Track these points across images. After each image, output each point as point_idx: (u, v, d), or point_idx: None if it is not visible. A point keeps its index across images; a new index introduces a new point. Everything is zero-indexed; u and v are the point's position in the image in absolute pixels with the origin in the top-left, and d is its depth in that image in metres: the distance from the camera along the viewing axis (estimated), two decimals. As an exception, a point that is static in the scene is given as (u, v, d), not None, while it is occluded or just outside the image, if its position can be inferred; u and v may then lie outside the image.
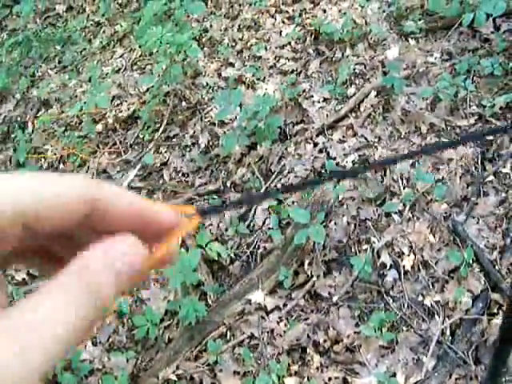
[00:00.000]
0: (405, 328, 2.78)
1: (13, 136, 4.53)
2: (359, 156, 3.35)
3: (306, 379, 2.73)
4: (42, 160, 4.18)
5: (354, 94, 3.69)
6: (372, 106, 3.58)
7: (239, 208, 3.35)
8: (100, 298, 0.37)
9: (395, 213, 3.07)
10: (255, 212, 3.33)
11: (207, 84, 4.19)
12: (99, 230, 0.42)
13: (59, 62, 5.10)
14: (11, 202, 0.36)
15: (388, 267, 2.93)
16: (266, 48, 4.25)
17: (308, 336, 2.85)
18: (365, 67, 3.85)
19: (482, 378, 2.49)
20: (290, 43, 4.23)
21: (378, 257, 2.96)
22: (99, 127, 4.26)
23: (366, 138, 3.43)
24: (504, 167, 3.14)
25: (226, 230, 3.32)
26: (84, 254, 0.38)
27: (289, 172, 3.41)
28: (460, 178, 3.15)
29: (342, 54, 3.98)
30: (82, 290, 0.36)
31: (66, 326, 0.34)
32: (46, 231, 0.39)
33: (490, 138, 3.26)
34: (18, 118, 4.70)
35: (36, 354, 0.32)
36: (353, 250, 3.03)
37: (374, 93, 3.64)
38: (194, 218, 0.45)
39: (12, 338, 0.32)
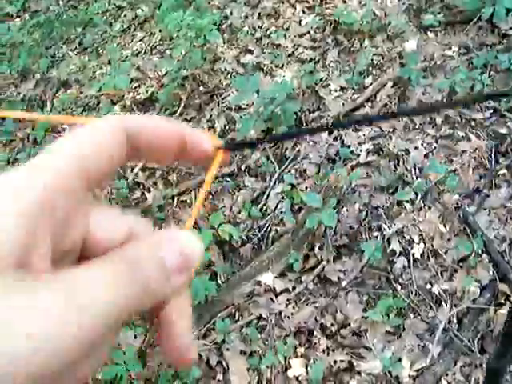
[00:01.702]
0: (412, 315, 2.80)
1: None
2: (373, 145, 3.37)
3: (311, 361, 2.75)
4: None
5: (371, 84, 3.71)
6: (388, 96, 3.60)
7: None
8: (147, 290, 0.36)
9: (407, 201, 3.09)
10: (268, 196, 3.36)
11: (226, 70, 4.22)
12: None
13: (80, 44, 5.13)
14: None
15: (398, 254, 2.95)
16: (285, 36, 4.27)
17: (316, 319, 2.88)
18: (382, 58, 3.87)
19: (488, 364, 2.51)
20: (309, 32, 4.25)
21: (389, 244, 2.98)
22: (117, 108, 4.29)
23: (380, 128, 3.45)
24: (517, 161, 3.16)
25: (239, 212, 3.35)
26: (137, 244, 0.39)
27: (303, 158, 3.44)
28: (473, 169, 3.16)
29: (361, 45, 3.99)
30: (130, 277, 0.36)
31: (108, 301, 0.34)
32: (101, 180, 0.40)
33: (503, 131, 3.27)
34: (38, 97, 4.75)
35: (87, 317, 0.33)
36: (363, 236, 3.05)
37: (390, 83, 3.65)
38: (221, 152, 0.45)
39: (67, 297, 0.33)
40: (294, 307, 2.95)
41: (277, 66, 4.07)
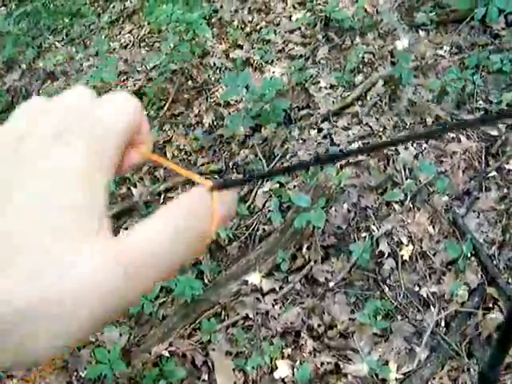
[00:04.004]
0: (399, 317, 2.78)
1: (17, 106, 4.51)
2: (363, 144, 3.34)
3: (298, 362, 2.73)
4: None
5: (362, 83, 3.69)
6: (379, 95, 3.58)
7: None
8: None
9: (396, 202, 3.07)
10: (256, 194, 3.32)
11: (215, 64, 4.18)
12: None
13: (67, 35, 5.08)
14: None
15: (386, 256, 2.93)
16: (275, 32, 4.23)
17: (302, 320, 2.85)
18: (373, 56, 3.84)
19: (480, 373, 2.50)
20: (299, 28, 4.21)
21: (377, 245, 2.96)
22: (104, 102, 4.24)
23: (370, 127, 3.43)
24: (507, 163, 3.13)
25: (226, 210, 3.31)
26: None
27: (292, 156, 3.41)
28: (463, 171, 3.14)
29: (352, 42, 3.96)
30: None
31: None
32: None
33: (494, 133, 3.26)
34: (23, 88, 4.69)
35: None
36: (352, 237, 3.03)
37: (381, 82, 3.63)
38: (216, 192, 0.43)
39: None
40: (280, 307, 2.92)
41: (266, 62, 4.04)
